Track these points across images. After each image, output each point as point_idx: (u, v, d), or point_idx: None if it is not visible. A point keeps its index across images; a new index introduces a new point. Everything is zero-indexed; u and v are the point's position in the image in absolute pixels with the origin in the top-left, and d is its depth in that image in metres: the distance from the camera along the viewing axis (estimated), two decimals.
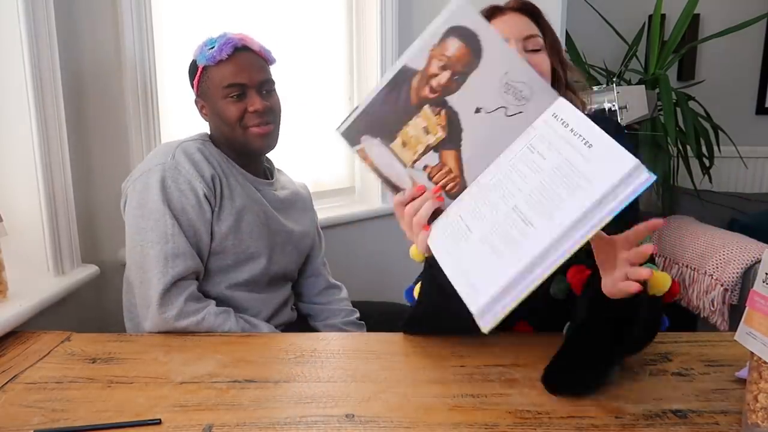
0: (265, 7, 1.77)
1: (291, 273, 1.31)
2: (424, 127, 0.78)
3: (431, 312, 0.97)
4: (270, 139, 1.20)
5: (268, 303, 1.22)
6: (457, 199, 0.80)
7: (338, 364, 0.93)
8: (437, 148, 0.79)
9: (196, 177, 1.09)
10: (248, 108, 1.15)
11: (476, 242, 0.70)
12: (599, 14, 2.50)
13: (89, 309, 1.39)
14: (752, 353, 0.68)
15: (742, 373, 0.87)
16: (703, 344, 1.00)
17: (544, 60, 0.96)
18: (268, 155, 1.31)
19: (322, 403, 0.80)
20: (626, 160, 0.62)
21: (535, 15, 1.00)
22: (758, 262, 1.78)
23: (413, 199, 0.81)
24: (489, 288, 0.64)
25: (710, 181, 2.45)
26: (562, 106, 0.74)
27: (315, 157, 1.96)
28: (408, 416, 0.77)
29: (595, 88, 1.88)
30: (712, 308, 1.89)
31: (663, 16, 2.46)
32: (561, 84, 1.01)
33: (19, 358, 0.95)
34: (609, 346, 0.80)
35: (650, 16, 2.45)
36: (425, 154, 0.79)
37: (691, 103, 2.38)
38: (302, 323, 1.35)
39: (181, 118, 1.47)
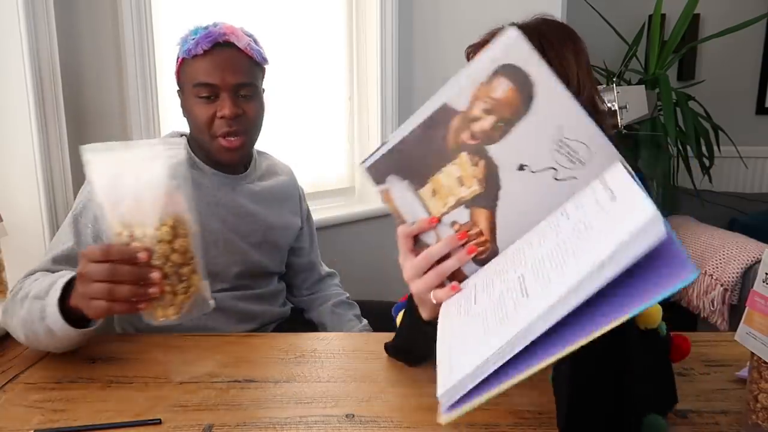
0: (266, 6, 1.77)
1: (272, 268, 1.26)
2: (458, 177, 0.67)
3: (407, 347, 0.90)
4: (238, 152, 1.11)
5: (248, 299, 1.19)
6: (484, 266, 0.68)
7: (338, 364, 0.92)
8: (469, 203, 0.67)
9: None
10: (217, 113, 1.07)
11: (474, 315, 0.58)
12: (599, 14, 2.50)
13: None
14: (752, 353, 0.68)
15: (742, 373, 0.87)
16: (703, 344, 1.00)
17: None
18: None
19: (322, 403, 0.80)
20: (642, 212, 0.47)
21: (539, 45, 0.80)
22: (758, 262, 1.78)
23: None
24: (459, 370, 0.50)
25: (710, 181, 2.45)
26: (615, 167, 0.60)
27: (315, 157, 1.96)
28: (408, 416, 0.77)
29: None
30: (712, 308, 1.89)
31: (663, 16, 2.46)
32: None
33: (19, 358, 0.95)
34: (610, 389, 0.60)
35: (650, 16, 2.45)
36: (456, 207, 0.68)
37: (691, 103, 2.38)
38: (296, 320, 1.34)
39: (181, 118, 1.47)
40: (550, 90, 0.61)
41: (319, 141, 1.98)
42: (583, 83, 0.83)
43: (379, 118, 2.04)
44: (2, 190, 1.21)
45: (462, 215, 0.68)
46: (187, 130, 1.22)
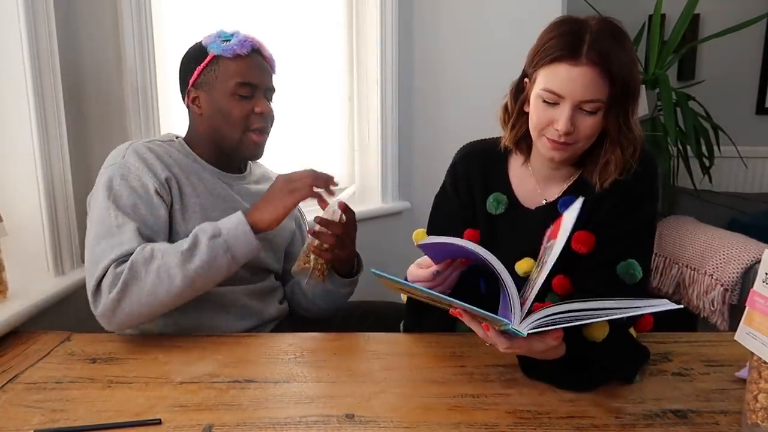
0: (266, 6, 1.77)
1: (271, 265, 1.27)
2: None
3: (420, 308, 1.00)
4: (262, 148, 1.20)
5: (249, 293, 1.20)
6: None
7: (338, 364, 0.93)
8: None
9: (147, 173, 1.06)
10: (255, 109, 1.15)
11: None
12: (599, 14, 2.50)
13: (89, 309, 1.38)
14: (752, 353, 0.68)
15: (742, 373, 0.87)
16: (703, 344, 1.00)
17: (592, 125, 0.90)
18: None
19: (322, 403, 0.80)
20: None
21: (608, 68, 0.87)
22: (758, 262, 1.78)
23: None
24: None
25: (710, 181, 2.44)
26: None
27: (315, 157, 1.96)
28: (408, 416, 0.77)
29: None
30: (712, 308, 1.89)
31: (663, 16, 2.46)
32: (610, 141, 0.92)
33: (19, 358, 0.95)
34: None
35: (650, 16, 2.45)
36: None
37: (691, 103, 2.37)
38: (296, 320, 1.34)
39: (181, 118, 1.47)
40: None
41: (319, 141, 1.98)
42: (639, 80, 0.93)
43: (379, 118, 2.04)
44: (2, 190, 1.21)
45: None
46: (180, 132, 1.24)
